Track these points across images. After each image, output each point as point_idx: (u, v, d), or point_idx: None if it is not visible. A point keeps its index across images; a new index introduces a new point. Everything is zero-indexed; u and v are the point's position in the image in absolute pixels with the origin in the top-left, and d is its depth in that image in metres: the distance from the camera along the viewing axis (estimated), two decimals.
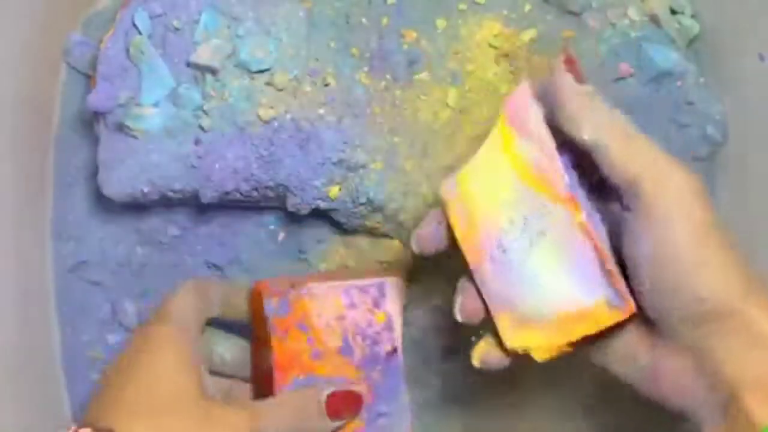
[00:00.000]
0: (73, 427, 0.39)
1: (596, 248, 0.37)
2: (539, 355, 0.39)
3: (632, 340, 0.39)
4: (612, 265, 0.37)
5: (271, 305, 0.46)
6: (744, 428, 0.35)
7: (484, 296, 0.40)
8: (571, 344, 0.38)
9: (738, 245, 0.37)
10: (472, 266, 0.40)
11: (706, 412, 0.37)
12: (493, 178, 0.39)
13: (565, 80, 0.38)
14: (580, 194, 0.38)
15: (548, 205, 0.38)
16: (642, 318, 0.38)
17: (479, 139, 0.41)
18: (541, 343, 0.39)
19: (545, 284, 0.38)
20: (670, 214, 0.36)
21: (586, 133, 0.37)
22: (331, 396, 0.46)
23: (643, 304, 0.37)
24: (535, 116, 0.38)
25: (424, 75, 0.50)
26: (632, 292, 0.37)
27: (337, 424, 0.46)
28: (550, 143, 0.38)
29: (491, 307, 0.40)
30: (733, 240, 0.37)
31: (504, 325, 0.39)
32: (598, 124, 0.37)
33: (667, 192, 0.36)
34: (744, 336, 0.36)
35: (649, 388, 0.39)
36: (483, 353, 0.41)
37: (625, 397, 0.53)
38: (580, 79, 0.38)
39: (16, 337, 0.51)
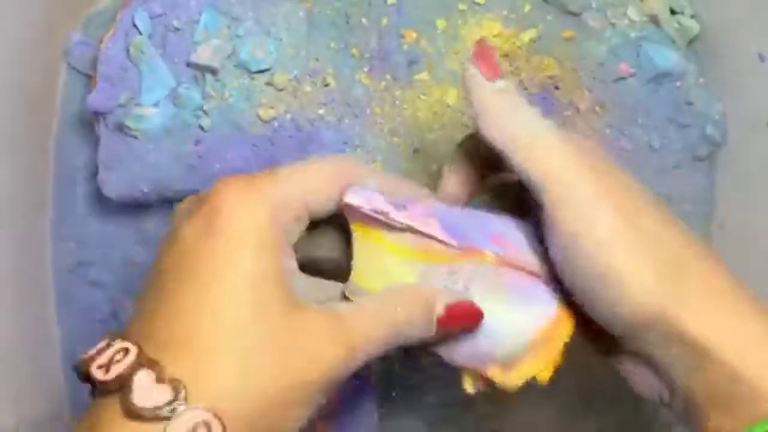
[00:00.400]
0: (131, 356, 0.31)
1: (526, 272, 0.36)
2: (543, 378, 0.38)
3: (597, 343, 0.37)
4: (546, 279, 0.36)
5: None
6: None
7: (461, 364, 0.39)
8: (561, 354, 0.38)
9: (666, 224, 0.34)
10: (435, 349, 0.39)
11: (684, 412, 0.35)
12: (388, 272, 0.38)
13: (472, 77, 0.36)
14: (472, 227, 0.37)
15: (454, 266, 0.37)
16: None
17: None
18: (537, 369, 0.38)
19: (506, 324, 0.37)
20: (570, 227, 0.34)
21: (491, 137, 0.35)
22: (453, 306, 0.37)
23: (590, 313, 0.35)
24: (374, 209, 0.36)
25: (424, 75, 0.50)
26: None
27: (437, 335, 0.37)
28: (409, 219, 0.36)
29: (473, 368, 0.39)
30: (659, 221, 0.34)
31: (495, 374, 0.38)
32: (503, 129, 0.35)
33: (567, 203, 0.34)
34: (680, 343, 0.33)
35: (631, 387, 0.37)
36: (474, 384, 0.39)
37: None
38: (492, 72, 0.36)
39: (16, 337, 0.51)
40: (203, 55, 0.48)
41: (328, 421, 0.43)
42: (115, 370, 0.31)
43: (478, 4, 0.51)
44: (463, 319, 0.37)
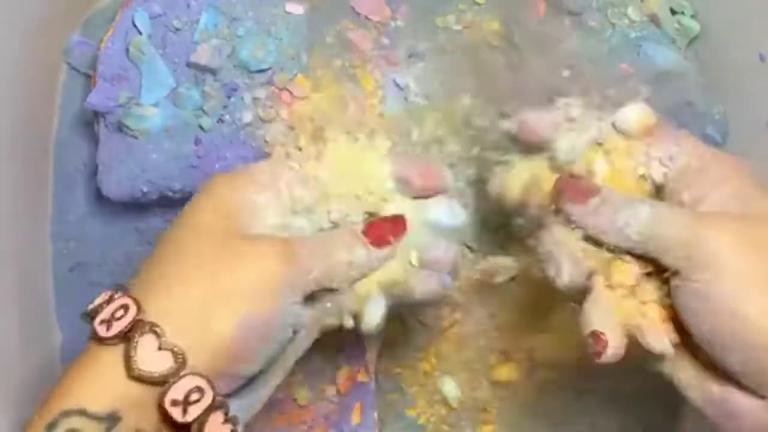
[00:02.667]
0: (119, 297, 0.37)
1: None
2: None
3: (706, 370, 0.38)
4: None
5: None
6: None
7: None
8: None
9: None
10: None
11: None
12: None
13: (573, 210, 0.39)
14: None
15: None
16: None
17: None
18: None
19: None
20: (728, 304, 0.36)
21: (617, 243, 0.39)
22: (370, 224, 0.42)
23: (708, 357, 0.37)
24: None
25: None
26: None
27: (385, 253, 0.41)
28: None
29: None
30: None
31: None
32: (614, 233, 0.38)
33: (729, 280, 0.36)
34: None
35: (717, 418, 0.38)
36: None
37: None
38: (582, 198, 0.39)
39: (16, 337, 0.51)
40: (203, 55, 0.48)
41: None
42: (116, 327, 0.35)
43: (478, 5, 0.51)
44: (386, 227, 0.41)
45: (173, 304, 0.36)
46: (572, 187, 0.40)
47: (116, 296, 0.37)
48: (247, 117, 0.48)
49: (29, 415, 0.36)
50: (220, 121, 0.49)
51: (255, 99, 0.49)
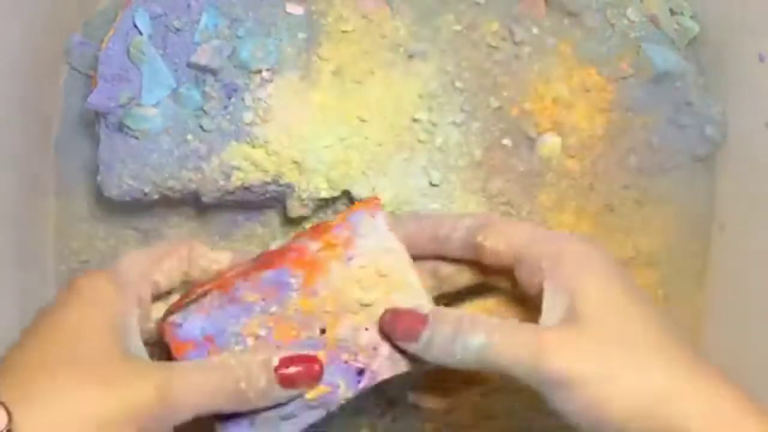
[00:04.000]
0: None
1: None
2: None
3: None
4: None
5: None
6: None
7: None
8: None
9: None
10: None
11: None
12: None
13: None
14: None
15: None
16: None
17: None
18: None
19: None
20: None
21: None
22: (283, 359, 0.39)
23: None
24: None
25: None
26: None
27: (291, 393, 0.40)
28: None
29: None
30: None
31: None
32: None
33: (559, 388, 0.36)
34: None
35: None
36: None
37: None
38: (416, 330, 0.39)
39: (17, 337, 0.51)
40: (203, 55, 0.48)
41: None
42: None
43: (478, 4, 0.51)
44: (304, 372, 0.39)
45: (42, 419, 0.35)
46: (400, 325, 0.40)
47: None
48: (248, 117, 0.48)
49: None
50: (221, 121, 0.49)
51: (255, 99, 0.49)
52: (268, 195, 0.50)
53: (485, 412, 0.55)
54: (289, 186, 0.49)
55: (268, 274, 0.40)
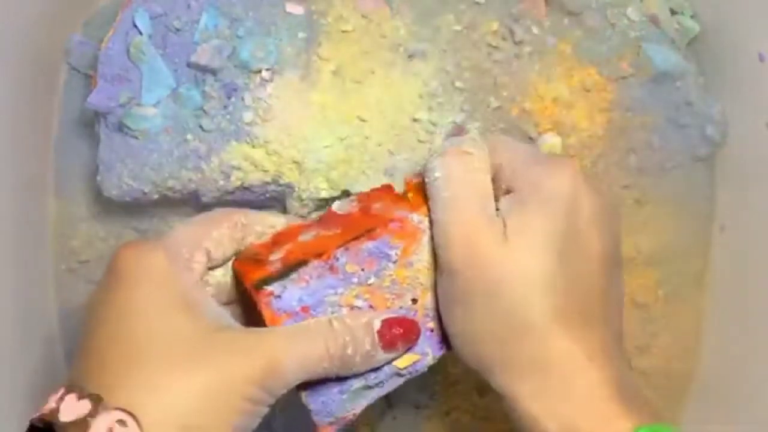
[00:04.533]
0: (61, 391, 0.35)
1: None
2: None
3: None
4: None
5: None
6: None
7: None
8: None
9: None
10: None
11: None
12: None
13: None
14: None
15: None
16: None
17: None
18: None
19: None
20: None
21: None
22: (386, 321, 0.39)
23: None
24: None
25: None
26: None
27: (390, 356, 0.40)
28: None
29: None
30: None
31: None
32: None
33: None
34: (539, 368, 0.37)
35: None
36: None
37: None
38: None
39: (16, 337, 0.51)
40: (203, 55, 0.48)
41: None
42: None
43: (478, 4, 0.51)
44: (405, 334, 0.40)
45: (151, 399, 0.34)
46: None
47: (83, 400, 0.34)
48: (248, 117, 0.48)
49: (30, 414, 0.36)
50: (221, 121, 0.49)
51: (255, 99, 0.49)
52: (268, 195, 0.50)
53: (485, 413, 0.55)
54: (289, 186, 0.49)
55: (368, 245, 0.40)
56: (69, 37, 0.55)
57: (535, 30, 0.51)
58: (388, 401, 0.54)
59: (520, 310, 0.37)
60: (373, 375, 0.40)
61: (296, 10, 0.50)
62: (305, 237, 0.41)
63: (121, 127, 0.49)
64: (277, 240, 0.41)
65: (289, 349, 0.37)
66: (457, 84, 0.50)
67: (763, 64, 0.48)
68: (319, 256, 0.39)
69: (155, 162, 0.49)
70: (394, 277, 0.40)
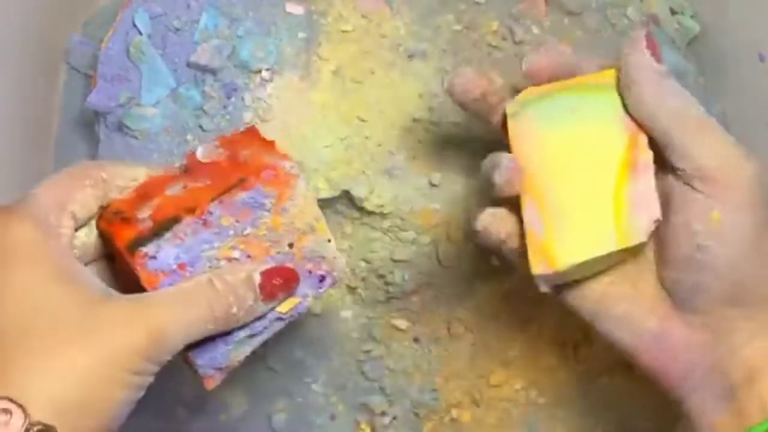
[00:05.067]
0: None
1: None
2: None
3: (645, 303, 0.38)
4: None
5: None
6: (752, 414, 0.35)
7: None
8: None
9: None
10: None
11: (702, 398, 0.37)
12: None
13: (644, 59, 0.37)
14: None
15: None
16: (659, 284, 0.38)
17: None
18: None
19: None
20: (737, 203, 0.36)
21: (659, 122, 0.37)
22: (266, 273, 0.39)
23: (666, 274, 0.38)
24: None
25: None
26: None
27: (272, 306, 0.40)
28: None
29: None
30: None
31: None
32: (671, 114, 0.37)
33: (737, 185, 0.36)
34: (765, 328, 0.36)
35: (650, 358, 0.38)
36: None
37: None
38: (657, 57, 0.38)
39: None
40: (203, 55, 0.48)
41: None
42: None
43: (479, 4, 0.51)
44: (285, 283, 0.39)
45: (19, 383, 0.33)
46: (654, 46, 0.38)
47: None
48: (248, 117, 0.49)
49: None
50: (221, 121, 0.49)
51: (255, 99, 0.49)
52: None
53: (485, 413, 0.55)
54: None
55: (242, 196, 0.39)
56: (69, 37, 0.55)
57: (535, 30, 0.51)
58: (389, 401, 0.54)
59: None
60: (256, 324, 0.40)
61: (296, 10, 0.50)
62: (173, 190, 0.39)
63: (121, 127, 0.49)
64: (142, 194, 0.40)
65: (173, 317, 0.36)
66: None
67: (763, 64, 0.48)
68: (192, 211, 0.38)
69: (155, 162, 0.49)
70: (270, 225, 0.40)
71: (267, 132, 0.48)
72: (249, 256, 0.39)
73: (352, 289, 0.53)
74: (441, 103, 0.50)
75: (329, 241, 0.41)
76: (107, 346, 0.34)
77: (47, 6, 0.52)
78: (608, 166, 0.38)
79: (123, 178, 0.40)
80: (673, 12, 0.52)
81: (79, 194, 0.38)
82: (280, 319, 0.41)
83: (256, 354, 0.48)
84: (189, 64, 0.49)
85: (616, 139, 0.38)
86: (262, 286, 0.39)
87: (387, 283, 0.52)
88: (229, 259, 0.39)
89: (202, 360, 0.39)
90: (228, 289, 0.38)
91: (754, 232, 0.36)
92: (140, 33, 0.49)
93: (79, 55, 0.55)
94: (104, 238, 0.40)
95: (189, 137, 0.49)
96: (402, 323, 0.53)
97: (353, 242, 0.52)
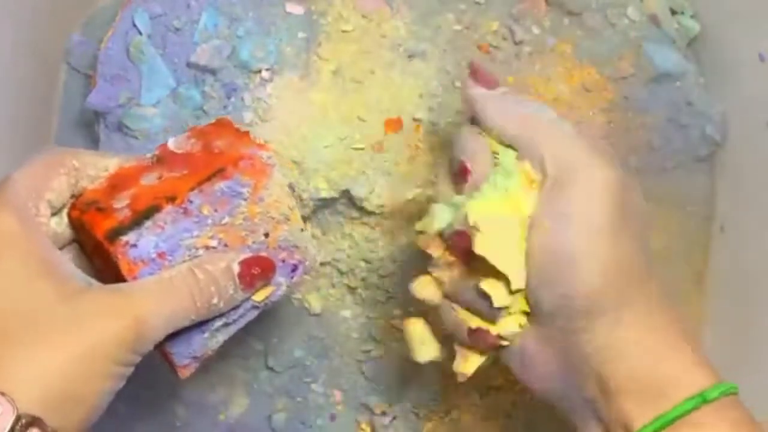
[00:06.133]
0: None
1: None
2: None
3: None
4: None
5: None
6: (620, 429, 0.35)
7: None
8: None
9: (640, 244, 0.37)
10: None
11: (579, 416, 0.37)
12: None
13: (476, 91, 0.40)
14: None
15: None
16: None
17: None
18: None
19: None
20: (568, 209, 0.36)
21: (508, 130, 0.38)
22: (244, 263, 0.39)
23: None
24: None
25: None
26: None
27: (249, 294, 0.40)
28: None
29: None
30: (634, 239, 0.37)
31: None
32: (518, 121, 0.38)
33: (572, 188, 0.36)
34: (612, 336, 0.36)
35: (520, 372, 0.39)
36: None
37: None
38: (491, 84, 0.40)
39: None
40: (203, 55, 0.48)
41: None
42: None
43: (479, 4, 0.51)
44: (262, 272, 0.40)
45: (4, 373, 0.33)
46: (483, 75, 0.40)
47: None
48: (248, 117, 0.49)
49: None
50: None
51: (255, 99, 0.49)
52: None
53: (485, 413, 0.55)
54: (288, 186, 0.49)
55: (221, 185, 0.39)
56: (69, 37, 0.55)
57: (535, 30, 0.51)
58: (389, 401, 0.54)
59: None
60: (232, 312, 0.40)
61: (296, 10, 0.50)
62: (148, 180, 0.40)
63: (120, 127, 0.49)
64: (115, 184, 0.40)
65: (156, 307, 0.36)
66: (457, 84, 0.50)
67: (763, 64, 0.48)
68: (172, 200, 0.38)
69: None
70: (247, 214, 0.40)
71: (267, 132, 0.49)
72: (226, 245, 0.39)
73: (352, 289, 0.53)
74: (441, 103, 0.50)
75: (302, 230, 0.42)
76: (90, 337, 0.34)
77: (47, 6, 0.52)
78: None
79: (95, 167, 0.40)
80: (673, 12, 0.52)
81: (54, 182, 0.38)
82: (255, 307, 0.41)
83: (256, 354, 0.48)
84: (189, 64, 0.49)
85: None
86: (241, 276, 0.39)
87: (387, 283, 0.52)
88: (207, 248, 0.39)
89: (177, 348, 0.39)
90: (209, 279, 0.38)
91: (600, 241, 0.36)
92: (140, 33, 0.49)
93: (79, 55, 0.55)
94: (76, 226, 0.40)
95: None
96: (402, 323, 0.53)
97: (353, 242, 0.52)
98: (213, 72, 0.49)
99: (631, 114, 0.51)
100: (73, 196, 0.39)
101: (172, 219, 0.38)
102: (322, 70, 0.50)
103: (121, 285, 0.37)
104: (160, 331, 0.36)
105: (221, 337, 0.41)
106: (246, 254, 0.40)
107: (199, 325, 0.39)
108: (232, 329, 0.41)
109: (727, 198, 0.53)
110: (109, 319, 0.35)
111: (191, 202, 0.39)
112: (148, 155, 0.41)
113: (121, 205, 0.38)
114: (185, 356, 0.40)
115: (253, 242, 0.40)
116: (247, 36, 0.49)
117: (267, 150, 0.41)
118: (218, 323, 0.40)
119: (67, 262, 0.37)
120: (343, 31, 0.50)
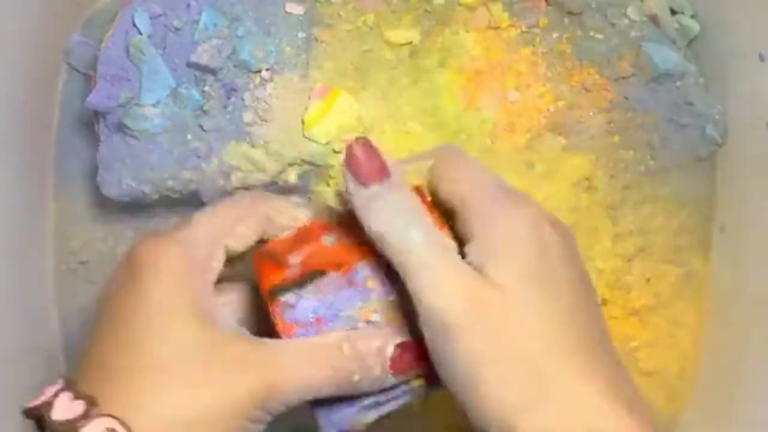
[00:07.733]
0: (58, 385, 0.35)
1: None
2: None
3: None
4: None
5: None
6: None
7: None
8: None
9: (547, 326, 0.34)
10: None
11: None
12: None
13: (349, 182, 0.37)
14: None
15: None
16: None
17: None
18: None
19: None
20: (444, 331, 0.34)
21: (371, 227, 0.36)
22: (401, 347, 0.37)
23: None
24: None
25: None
26: None
27: (398, 381, 0.38)
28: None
29: None
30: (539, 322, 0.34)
31: None
32: (373, 225, 0.36)
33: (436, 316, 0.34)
34: None
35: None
36: None
37: None
38: (365, 177, 0.37)
39: (16, 337, 0.51)
40: (203, 55, 0.48)
41: None
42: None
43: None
44: (417, 360, 0.37)
45: (130, 403, 0.33)
46: (357, 163, 0.37)
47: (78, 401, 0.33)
48: (248, 117, 0.49)
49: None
50: (221, 121, 0.49)
51: (255, 99, 0.49)
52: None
53: None
54: (289, 186, 0.49)
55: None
56: (69, 37, 0.55)
57: (535, 30, 0.51)
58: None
59: None
60: (384, 393, 0.38)
61: (296, 10, 0.50)
62: (327, 241, 0.39)
63: (120, 127, 0.49)
64: (299, 238, 0.39)
65: (292, 372, 0.35)
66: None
67: (763, 64, 0.48)
68: (338, 267, 0.38)
69: (155, 162, 0.49)
70: None
71: (267, 132, 0.49)
72: (387, 323, 0.38)
73: None
74: None
75: None
76: (224, 389, 0.34)
77: (47, 6, 0.52)
78: None
79: (286, 217, 0.40)
80: (673, 12, 0.52)
81: (239, 228, 0.39)
82: (416, 393, 0.39)
83: None
84: (189, 64, 0.49)
85: None
86: (393, 359, 0.37)
87: None
88: (368, 322, 0.38)
89: (325, 419, 0.38)
90: (355, 357, 0.36)
91: (471, 359, 0.33)
92: (140, 33, 0.49)
93: (79, 55, 0.55)
94: (254, 270, 0.39)
95: (189, 137, 0.49)
96: None
97: None
98: (213, 72, 0.49)
99: (631, 114, 0.51)
100: (261, 240, 0.40)
101: (335, 286, 0.37)
102: (323, 70, 0.50)
103: (267, 340, 0.36)
104: (291, 395, 0.36)
105: (373, 414, 0.39)
106: (404, 338, 0.38)
107: (349, 398, 0.38)
108: (385, 409, 0.39)
109: (727, 198, 0.53)
110: (244, 373, 0.35)
111: (357, 272, 0.38)
112: (335, 209, 0.41)
113: (295, 261, 0.38)
114: (333, 426, 0.38)
115: (411, 327, 0.38)
116: (247, 36, 0.49)
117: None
118: (368, 401, 0.38)
119: (222, 311, 0.37)
120: (343, 31, 0.50)
